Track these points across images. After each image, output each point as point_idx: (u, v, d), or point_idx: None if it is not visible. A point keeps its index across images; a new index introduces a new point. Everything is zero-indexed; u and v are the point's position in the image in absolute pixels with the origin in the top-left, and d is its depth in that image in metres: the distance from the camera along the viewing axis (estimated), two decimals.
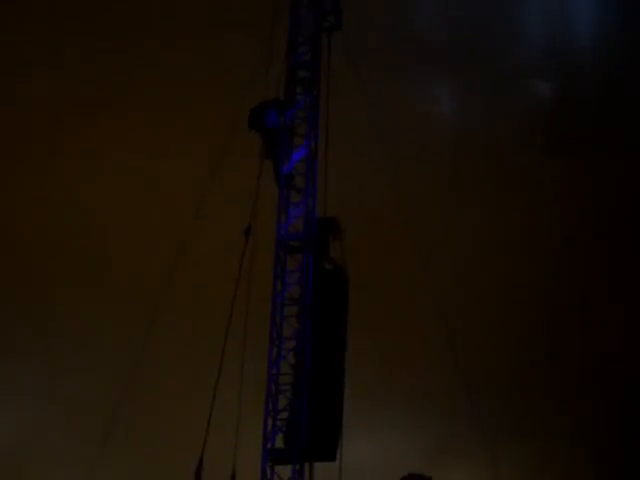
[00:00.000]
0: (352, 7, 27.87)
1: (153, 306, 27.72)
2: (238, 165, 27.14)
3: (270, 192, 25.17)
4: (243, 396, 24.09)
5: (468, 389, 27.18)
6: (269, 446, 23.20)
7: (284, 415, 23.21)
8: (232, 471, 23.39)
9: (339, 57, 26.30)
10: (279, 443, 23.24)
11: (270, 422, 23.34)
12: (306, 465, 23.21)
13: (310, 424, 22.31)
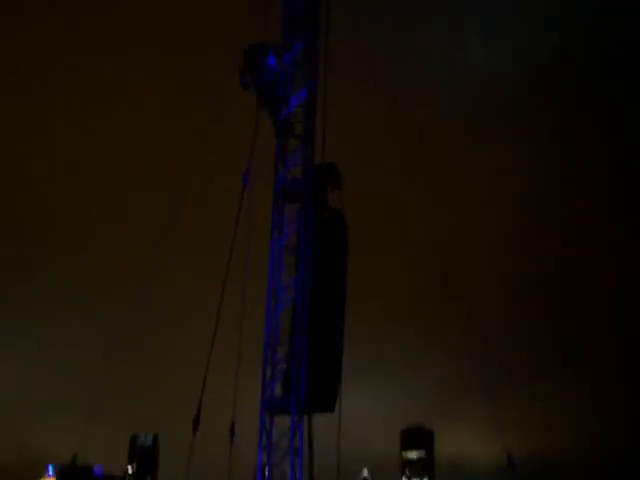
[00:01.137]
0: None
1: (151, 257, 27.59)
2: (236, 113, 26.81)
3: (268, 140, 24.87)
4: (242, 347, 23.99)
5: (467, 340, 27.10)
6: (268, 396, 23.08)
7: (283, 366, 23.07)
8: (231, 421, 23.34)
9: (338, 2, 25.90)
10: (278, 393, 23.15)
11: (269, 372, 23.21)
12: (305, 415, 23.17)
13: (309, 374, 22.20)
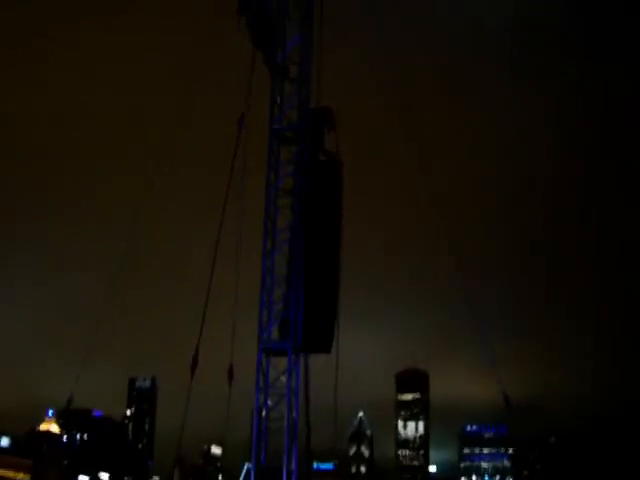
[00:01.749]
0: None
1: (148, 191, 27.63)
2: (231, 55, 26.64)
3: (263, 83, 24.74)
4: (239, 288, 24.12)
5: (466, 281, 27.21)
6: (265, 338, 23.23)
7: (279, 307, 23.17)
8: (229, 363, 23.54)
9: None
10: (275, 335, 23.29)
11: (265, 315, 23.34)
12: (302, 356, 23.35)
13: (305, 316, 22.32)
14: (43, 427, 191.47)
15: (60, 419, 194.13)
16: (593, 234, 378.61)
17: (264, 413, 23.29)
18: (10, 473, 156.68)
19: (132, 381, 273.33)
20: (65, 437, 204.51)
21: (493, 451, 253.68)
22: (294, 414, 22.90)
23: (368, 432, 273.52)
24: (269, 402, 23.29)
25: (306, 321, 22.39)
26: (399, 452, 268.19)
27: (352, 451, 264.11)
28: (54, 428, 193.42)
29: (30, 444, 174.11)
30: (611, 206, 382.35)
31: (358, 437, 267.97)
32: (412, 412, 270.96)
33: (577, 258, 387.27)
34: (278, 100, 24.48)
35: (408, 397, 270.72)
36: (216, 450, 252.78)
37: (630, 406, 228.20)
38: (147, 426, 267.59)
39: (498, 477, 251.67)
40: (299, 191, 23.15)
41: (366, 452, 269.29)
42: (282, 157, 24.14)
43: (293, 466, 22.80)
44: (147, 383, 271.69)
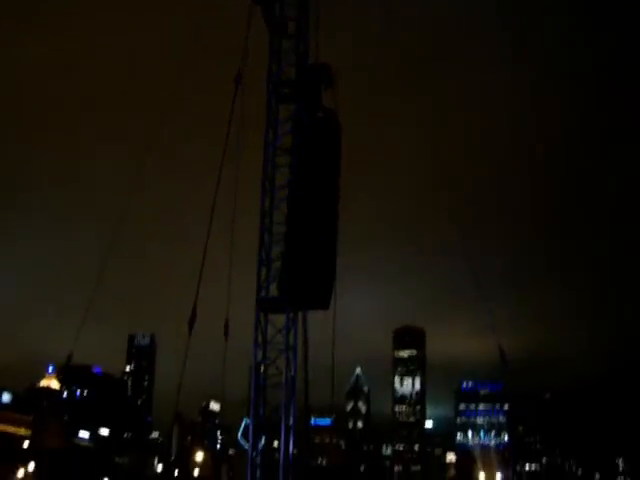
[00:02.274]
0: None
1: (146, 146, 27.62)
2: (228, 11, 26.51)
3: (260, 42, 24.61)
4: (237, 246, 24.23)
5: (464, 240, 27.33)
6: (263, 294, 23.35)
7: (277, 264, 23.25)
8: (225, 319, 23.70)
9: None
10: (273, 292, 23.39)
11: (264, 271, 23.44)
12: (300, 313, 23.50)
13: (303, 272, 22.37)
14: (43, 383, 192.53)
15: (60, 375, 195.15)
16: (594, 201, 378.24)
17: (262, 370, 23.49)
18: (11, 429, 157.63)
19: (131, 338, 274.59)
20: (65, 393, 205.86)
21: (489, 407, 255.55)
22: (292, 370, 23.11)
23: (365, 388, 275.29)
24: (267, 358, 23.47)
25: (304, 278, 22.46)
26: (396, 408, 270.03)
27: (349, 407, 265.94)
28: (54, 384, 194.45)
29: (30, 400, 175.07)
30: (613, 174, 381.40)
31: (355, 393, 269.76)
32: (409, 369, 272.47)
33: (577, 223, 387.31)
34: (276, 57, 24.37)
35: (405, 354, 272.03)
36: (214, 406, 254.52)
37: (626, 364, 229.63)
38: (146, 383, 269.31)
39: (493, 433, 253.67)
40: (297, 149, 23.12)
41: (363, 408, 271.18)
42: (281, 115, 24.12)
43: (291, 421, 23.04)
44: (146, 340, 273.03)
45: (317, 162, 22.84)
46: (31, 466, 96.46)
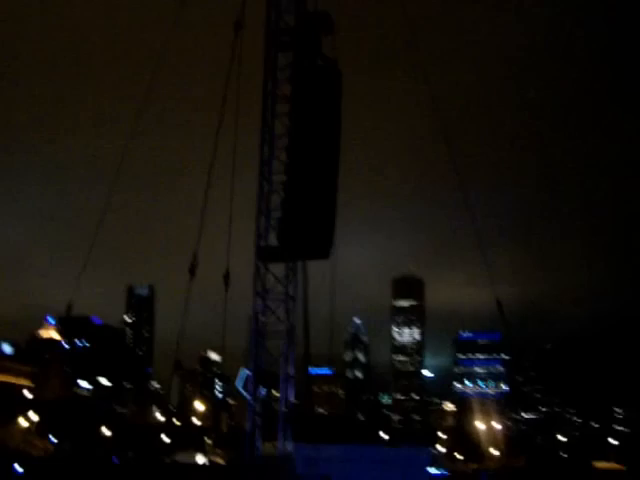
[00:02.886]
0: None
1: (146, 94, 27.35)
2: None
3: None
4: (237, 195, 24.04)
5: (464, 187, 27.12)
6: (262, 244, 23.21)
7: (277, 214, 23.07)
8: (225, 269, 23.59)
9: None
10: (272, 241, 23.24)
11: (263, 221, 23.28)
12: (299, 262, 23.39)
13: (303, 221, 22.20)
14: (43, 334, 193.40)
15: (60, 326, 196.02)
16: (595, 148, 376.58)
17: (262, 319, 23.43)
18: (12, 379, 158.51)
19: (130, 289, 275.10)
20: (65, 344, 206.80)
21: (487, 357, 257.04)
22: (292, 319, 23.06)
23: (364, 338, 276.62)
24: (267, 308, 23.40)
25: (304, 227, 22.30)
26: (394, 358, 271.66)
27: (348, 357, 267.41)
28: (54, 335, 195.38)
29: (31, 351, 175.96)
30: (615, 121, 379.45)
31: (354, 343, 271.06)
32: (408, 319, 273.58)
33: (578, 171, 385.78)
34: (275, 5, 24.01)
35: (404, 304, 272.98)
36: (214, 356, 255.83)
37: (625, 314, 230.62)
38: (146, 333, 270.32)
39: (492, 382, 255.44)
40: (297, 97, 22.83)
41: (362, 358, 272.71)
42: (280, 64, 23.79)
43: (291, 370, 23.03)
44: (145, 291, 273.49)
45: (317, 110, 22.56)
46: (33, 416, 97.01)
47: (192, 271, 22.97)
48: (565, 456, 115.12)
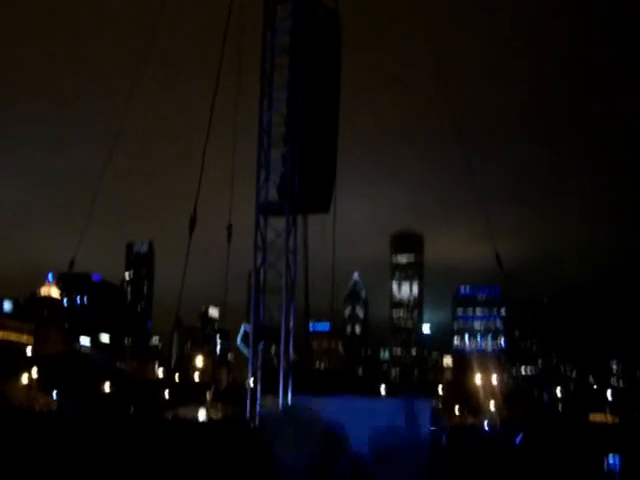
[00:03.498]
0: None
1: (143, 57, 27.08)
2: None
3: None
4: (237, 149, 23.90)
5: (466, 147, 27.02)
6: (263, 198, 23.09)
7: (277, 168, 22.93)
8: (228, 222, 23.49)
9: None
10: (272, 195, 23.12)
11: (263, 174, 23.12)
12: (299, 216, 23.28)
13: (303, 175, 22.09)
14: (43, 291, 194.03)
15: (60, 283, 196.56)
16: (596, 104, 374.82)
17: (262, 274, 23.38)
18: (13, 336, 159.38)
19: (130, 246, 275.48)
20: (65, 301, 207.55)
21: (486, 312, 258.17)
22: (292, 274, 23.00)
23: (363, 293, 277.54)
24: (267, 262, 23.34)
25: (304, 180, 22.18)
26: (393, 313, 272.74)
27: (347, 312, 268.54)
28: (54, 292, 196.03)
29: (31, 308, 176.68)
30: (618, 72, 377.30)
31: (353, 298, 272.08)
32: (407, 274, 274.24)
33: (578, 127, 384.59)
34: None
35: (403, 259, 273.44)
36: (214, 312, 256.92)
37: (623, 269, 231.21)
38: (145, 290, 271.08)
39: (490, 337, 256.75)
40: (296, 49, 22.58)
41: (361, 313, 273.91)
42: (278, 13, 23.48)
43: (291, 325, 23.02)
44: (145, 247, 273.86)
45: (316, 62, 22.34)
46: (34, 372, 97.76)
47: (192, 227, 22.84)
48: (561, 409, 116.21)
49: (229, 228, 23.23)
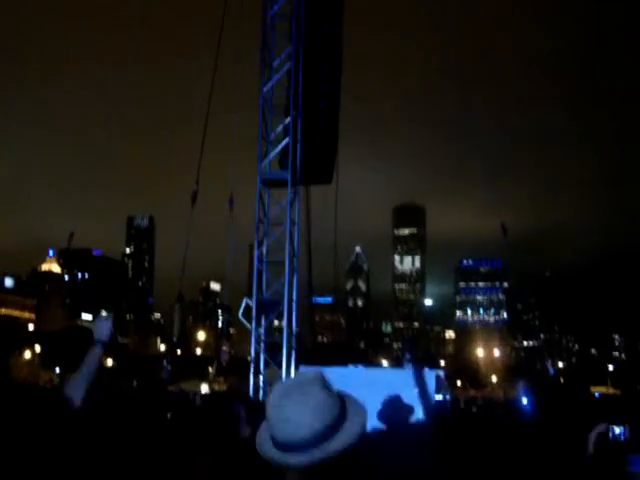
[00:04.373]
0: None
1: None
2: None
3: None
4: (238, 121, 23.68)
5: (466, 117, 26.74)
6: (264, 169, 22.85)
7: (280, 137, 22.68)
8: (230, 193, 23.27)
9: None
10: (275, 166, 22.89)
11: (264, 146, 22.87)
12: (302, 187, 23.07)
13: (305, 146, 21.86)
14: (44, 267, 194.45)
15: (61, 258, 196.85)
16: (598, 75, 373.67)
17: (264, 246, 23.16)
18: (15, 312, 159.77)
19: (130, 220, 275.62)
20: (66, 276, 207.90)
21: (488, 285, 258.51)
22: (295, 245, 22.79)
23: (365, 267, 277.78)
24: (269, 234, 23.13)
25: (306, 151, 21.94)
26: (396, 286, 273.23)
27: (349, 285, 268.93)
28: (55, 268, 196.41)
29: (33, 284, 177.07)
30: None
31: (355, 272, 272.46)
32: (409, 247, 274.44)
33: (580, 99, 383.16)
34: None
35: (405, 232, 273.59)
36: (215, 286, 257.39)
37: (626, 242, 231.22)
38: (146, 264, 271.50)
39: (493, 310, 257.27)
40: (296, 17, 22.26)
41: (363, 286, 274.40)
42: None
43: (294, 297, 22.85)
44: (145, 222, 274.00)
45: (317, 30, 22.04)
46: (36, 348, 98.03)
47: (194, 199, 22.64)
48: (563, 381, 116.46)
49: (231, 200, 22.99)
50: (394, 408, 7.71)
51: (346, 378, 7.91)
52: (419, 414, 8.03)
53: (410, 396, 8.17)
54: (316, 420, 2.73)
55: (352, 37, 23.43)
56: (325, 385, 2.81)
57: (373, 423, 7.43)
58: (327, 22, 22.07)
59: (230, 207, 22.63)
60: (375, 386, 8.09)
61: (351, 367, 10.05)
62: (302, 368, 12.98)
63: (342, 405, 2.81)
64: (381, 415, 7.54)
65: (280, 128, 22.67)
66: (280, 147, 22.27)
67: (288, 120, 22.10)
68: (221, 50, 22.58)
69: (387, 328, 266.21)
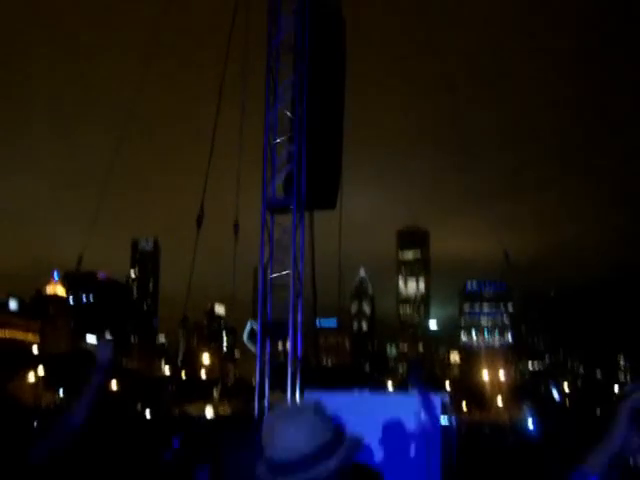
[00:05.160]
0: None
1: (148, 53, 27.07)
2: None
3: None
4: (243, 146, 23.85)
5: (469, 141, 26.98)
6: (269, 195, 23.04)
7: (284, 165, 22.87)
8: (235, 218, 23.44)
9: None
10: (279, 192, 23.05)
11: (269, 172, 23.07)
12: (306, 213, 23.24)
13: (309, 171, 22.03)
14: (49, 290, 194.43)
15: (65, 281, 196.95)
16: (601, 91, 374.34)
17: (269, 270, 23.32)
18: (19, 335, 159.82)
19: (135, 243, 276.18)
20: (71, 299, 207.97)
21: (493, 308, 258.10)
22: (299, 269, 22.94)
23: (369, 290, 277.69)
24: (274, 259, 23.29)
25: (310, 176, 22.12)
26: (400, 309, 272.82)
27: (354, 308, 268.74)
28: (60, 291, 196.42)
29: (37, 306, 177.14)
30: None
31: (360, 295, 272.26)
32: (413, 270, 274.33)
33: (585, 113, 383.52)
34: None
35: (409, 255, 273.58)
36: (219, 309, 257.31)
37: (629, 263, 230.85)
38: (151, 286, 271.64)
39: (497, 333, 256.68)
40: (299, 45, 22.50)
41: (367, 309, 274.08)
42: (283, 12, 23.39)
43: (299, 320, 22.97)
44: (150, 245, 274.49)
45: (319, 59, 22.22)
46: (40, 371, 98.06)
47: (199, 222, 22.79)
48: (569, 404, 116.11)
49: (236, 225, 23.18)
50: (400, 436, 7.83)
51: (352, 405, 8.02)
52: (425, 441, 8.14)
53: (416, 422, 8.26)
54: (306, 444, 2.88)
55: (357, 58, 23.61)
56: (319, 411, 2.96)
57: (378, 450, 7.53)
58: (329, 51, 22.32)
59: (235, 232, 22.80)
60: (381, 413, 8.17)
61: (356, 392, 10.16)
62: (307, 393, 13.12)
63: (336, 431, 2.95)
64: (387, 442, 7.65)
65: (284, 153, 22.89)
66: (284, 174, 22.46)
67: (292, 147, 22.32)
68: (225, 78, 22.85)
69: (392, 351, 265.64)
